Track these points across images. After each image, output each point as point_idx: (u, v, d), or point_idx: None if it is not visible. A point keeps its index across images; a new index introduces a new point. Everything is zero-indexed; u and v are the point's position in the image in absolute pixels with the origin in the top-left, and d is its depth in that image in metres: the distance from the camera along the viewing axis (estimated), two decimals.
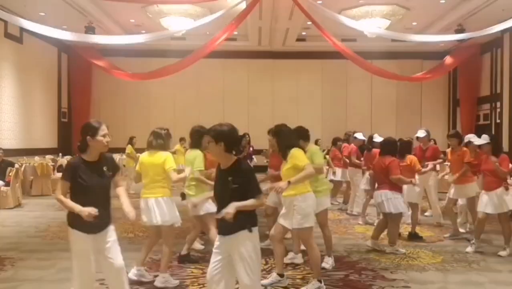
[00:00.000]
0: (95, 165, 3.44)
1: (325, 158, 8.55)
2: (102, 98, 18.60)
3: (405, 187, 7.00)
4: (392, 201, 6.13)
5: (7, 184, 10.20)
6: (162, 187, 4.85)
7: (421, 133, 8.29)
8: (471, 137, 7.19)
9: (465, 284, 4.97)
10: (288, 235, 5.34)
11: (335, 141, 10.45)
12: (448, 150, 7.50)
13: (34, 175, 12.09)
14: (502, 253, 6.13)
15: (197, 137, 5.54)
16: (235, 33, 14.13)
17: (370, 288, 4.81)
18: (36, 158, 13.29)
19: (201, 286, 4.81)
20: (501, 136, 14.47)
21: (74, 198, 3.38)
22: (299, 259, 5.65)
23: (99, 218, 3.30)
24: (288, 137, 4.82)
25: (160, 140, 4.94)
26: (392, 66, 16.92)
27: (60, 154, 15.16)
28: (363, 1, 12.88)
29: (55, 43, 16.37)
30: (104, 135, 3.43)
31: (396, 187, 6.22)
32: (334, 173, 10.09)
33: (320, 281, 4.71)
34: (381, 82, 17.34)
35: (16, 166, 10.90)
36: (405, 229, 7.45)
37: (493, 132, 15.77)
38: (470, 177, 7.07)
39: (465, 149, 7.19)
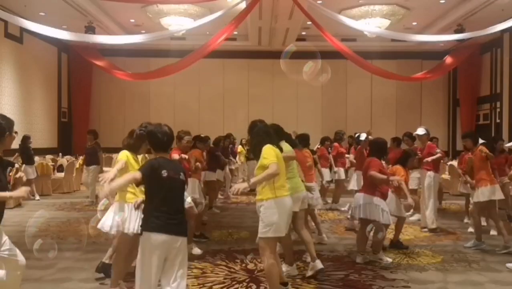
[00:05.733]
0: None
1: (313, 153, 8.02)
2: (102, 98, 18.61)
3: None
4: (370, 207, 5.57)
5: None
6: (120, 191, 4.33)
7: (420, 131, 7.88)
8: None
9: (465, 284, 4.97)
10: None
11: (323, 141, 10.07)
12: (463, 153, 7.14)
13: None
14: None
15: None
16: (235, 33, 14.14)
17: (370, 288, 4.81)
18: (36, 158, 13.26)
19: (201, 286, 4.81)
20: (501, 136, 14.44)
21: None
22: (293, 270, 5.21)
23: None
24: (259, 134, 4.28)
25: (129, 139, 4.53)
26: (392, 66, 16.93)
27: (60, 154, 15.16)
28: (363, 1, 12.89)
29: (55, 43, 16.38)
30: None
31: (378, 192, 5.62)
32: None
33: None
34: (381, 82, 17.34)
35: (16, 165, 10.89)
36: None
37: (493, 132, 15.80)
38: (484, 180, 6.44)
39: (481, 148, 6.66)
